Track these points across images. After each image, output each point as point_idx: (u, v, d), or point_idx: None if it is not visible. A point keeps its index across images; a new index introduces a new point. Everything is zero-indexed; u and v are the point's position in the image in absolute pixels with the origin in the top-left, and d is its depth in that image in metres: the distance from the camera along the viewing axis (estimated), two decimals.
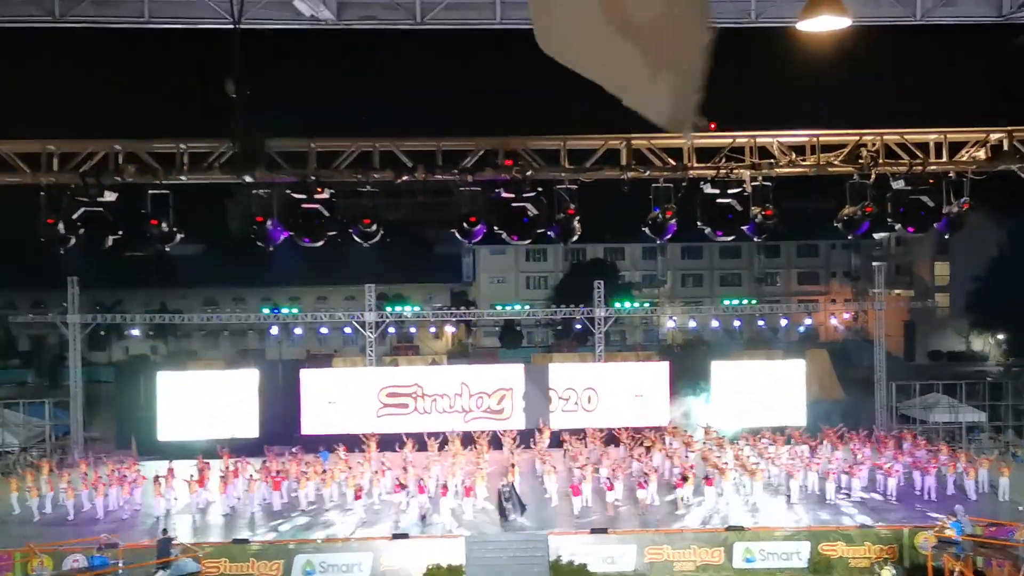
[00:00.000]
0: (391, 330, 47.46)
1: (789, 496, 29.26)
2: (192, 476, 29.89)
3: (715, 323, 53.58)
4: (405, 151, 14.90)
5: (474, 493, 28.37)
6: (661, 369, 40.76)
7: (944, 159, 15.20)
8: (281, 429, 38.72)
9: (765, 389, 39.89)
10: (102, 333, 44.69)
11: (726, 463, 30.76)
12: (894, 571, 22.76)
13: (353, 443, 34.82)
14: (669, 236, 15.79)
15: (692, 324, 54.87)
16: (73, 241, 14.10)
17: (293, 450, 34.66)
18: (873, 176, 14.87)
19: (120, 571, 22.44)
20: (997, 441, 39.52)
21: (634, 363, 41.88)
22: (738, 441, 34.84)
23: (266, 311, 46.50)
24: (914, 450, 32.89)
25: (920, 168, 15.00)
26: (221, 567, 24.51)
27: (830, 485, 29.33)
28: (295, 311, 46.08)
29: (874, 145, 15.13)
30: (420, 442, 34.59)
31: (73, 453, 37.50)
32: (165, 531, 24.58)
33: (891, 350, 46.67)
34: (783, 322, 49.53)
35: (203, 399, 39.00)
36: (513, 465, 30.40)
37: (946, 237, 16.73)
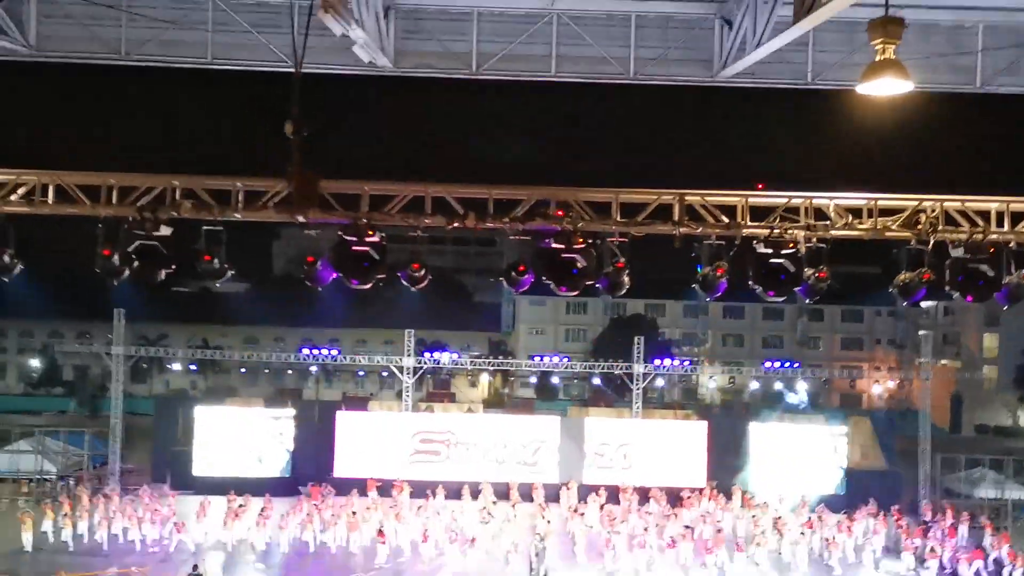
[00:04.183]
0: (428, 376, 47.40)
1: (827, 565, 28.61)
2: (226, 513, 29.86)
3: (755, 384, 52.89)
4: (457, 198, 14.95)
5: (511, 547, 28.03)
6: (699, 429, 40.13)
7: (1005, 228, 14.91)
8: (314, 470, 38.65)
9: (804, 455, 38.89)
10: (144, 366, 45.04)
11: (761, 529, 30.20)
12: None
13: (384, 488, 34.80)
14: (720, 294, 15.64)
15: (730, 384, 54.23)
16: (127, 274, 14.27)
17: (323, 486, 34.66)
18: (931, 243, 14.64)
19: None
20: None
21: (672, 421, 41.29)
22: (777, 510, 33.94)
23: (305, 351, 46.62)
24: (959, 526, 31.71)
25: (980, 236, 14.70)
26: None
27: (867, 557, 28.74)
28: (335, 353, 46.23)
29: (933, 211, 14.91)
30: (453, 491, 34.33)
31: (109, 483, 37.67)
32: (196, 567, 24.46)
33: (937, 422, 45.65)
34: (825, 387, 48.81)
35: (239, 436, 39.08)
36: (548, 522, 30.13)
37: (1004, 308, 16.28)
